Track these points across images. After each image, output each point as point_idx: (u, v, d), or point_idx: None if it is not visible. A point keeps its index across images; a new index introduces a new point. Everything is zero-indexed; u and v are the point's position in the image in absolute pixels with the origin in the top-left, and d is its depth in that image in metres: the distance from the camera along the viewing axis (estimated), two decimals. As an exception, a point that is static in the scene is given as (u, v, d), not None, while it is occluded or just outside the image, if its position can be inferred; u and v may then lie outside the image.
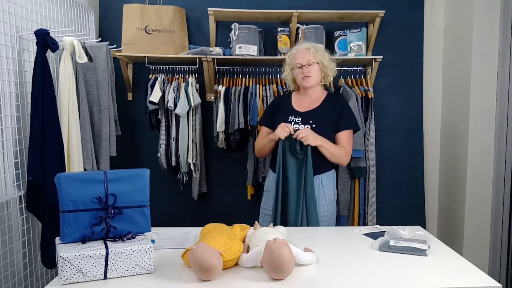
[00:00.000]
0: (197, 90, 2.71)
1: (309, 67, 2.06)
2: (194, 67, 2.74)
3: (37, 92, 1.87)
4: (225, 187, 2.99)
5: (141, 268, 1.31)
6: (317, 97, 2.14)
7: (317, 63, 2.08)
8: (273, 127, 2.11)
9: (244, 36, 2.72)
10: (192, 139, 2.71)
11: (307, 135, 1.94)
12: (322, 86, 2.21)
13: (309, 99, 2.14)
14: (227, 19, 2.85)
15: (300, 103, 2.15)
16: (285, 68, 2.21)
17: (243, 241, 1.47)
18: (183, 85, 2.67)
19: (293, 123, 2.07)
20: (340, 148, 2.05)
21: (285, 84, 2.75)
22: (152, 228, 1.50)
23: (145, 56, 2.70)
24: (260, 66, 2.89)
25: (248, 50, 2.71)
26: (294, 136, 1.97)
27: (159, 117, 2.76)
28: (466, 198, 2.66)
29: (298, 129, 2.01)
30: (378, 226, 1.83)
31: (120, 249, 1.28)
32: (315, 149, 2.00)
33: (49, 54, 2.00)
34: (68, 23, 2.45)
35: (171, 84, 2.70)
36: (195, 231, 1.75)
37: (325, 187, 2.07)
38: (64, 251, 1.23)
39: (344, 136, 2.08)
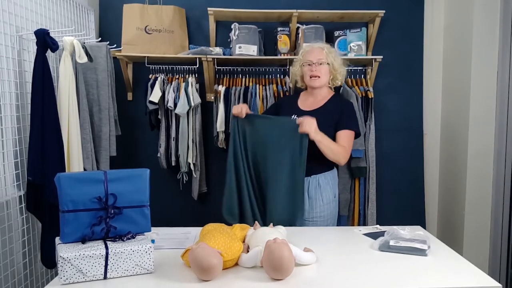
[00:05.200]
0: (197, 90, 2.71)
1: (319, 66, 2.06)
2: (194, 67, 2.74)
3: (37, 92, 1.87)
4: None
5: (141, 268, 1.31)
6: (322, 97, 2.14)
7: (328, 64, 2.08)
8: None
9: (244, 36, 2.72)
10: (192, 139, 2.71)
11: (304, 123, 1.89)
12: (329, 88, 2.20)
13: (314, 99, 2.15)
14: (227, 19, 2.85)
15: (305, 102, 2.16)
16: (295, 64, 2.21)
17: (243, 241, 1.47)
18: (183, 85, 2.67)
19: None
20: (338, 146, 2.00)
21: (285, 84, 2.77)
22: (152, 228, 1.50)
23: (145, 56, 2.70)
24: (260, 66, 2.89)
25: (248, 50, 2.71)
26: (297, 122, 1.92)
27: (159, 117, 2.76)
28: (466, 198, 2.66)
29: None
30: (378, 226, 1.84)
31: (120, 249, 1.28)
32: (314, 148, 2.00)
33: (49, 54, 1.99)
34: (68, 23, 2.45)
35: (171, 84, 2.70)
36: (195, 231, 1.75)
37: (322, 187, 2.06)
38: (64, 251, 1.23)
39: (343, 135, 2.05)
